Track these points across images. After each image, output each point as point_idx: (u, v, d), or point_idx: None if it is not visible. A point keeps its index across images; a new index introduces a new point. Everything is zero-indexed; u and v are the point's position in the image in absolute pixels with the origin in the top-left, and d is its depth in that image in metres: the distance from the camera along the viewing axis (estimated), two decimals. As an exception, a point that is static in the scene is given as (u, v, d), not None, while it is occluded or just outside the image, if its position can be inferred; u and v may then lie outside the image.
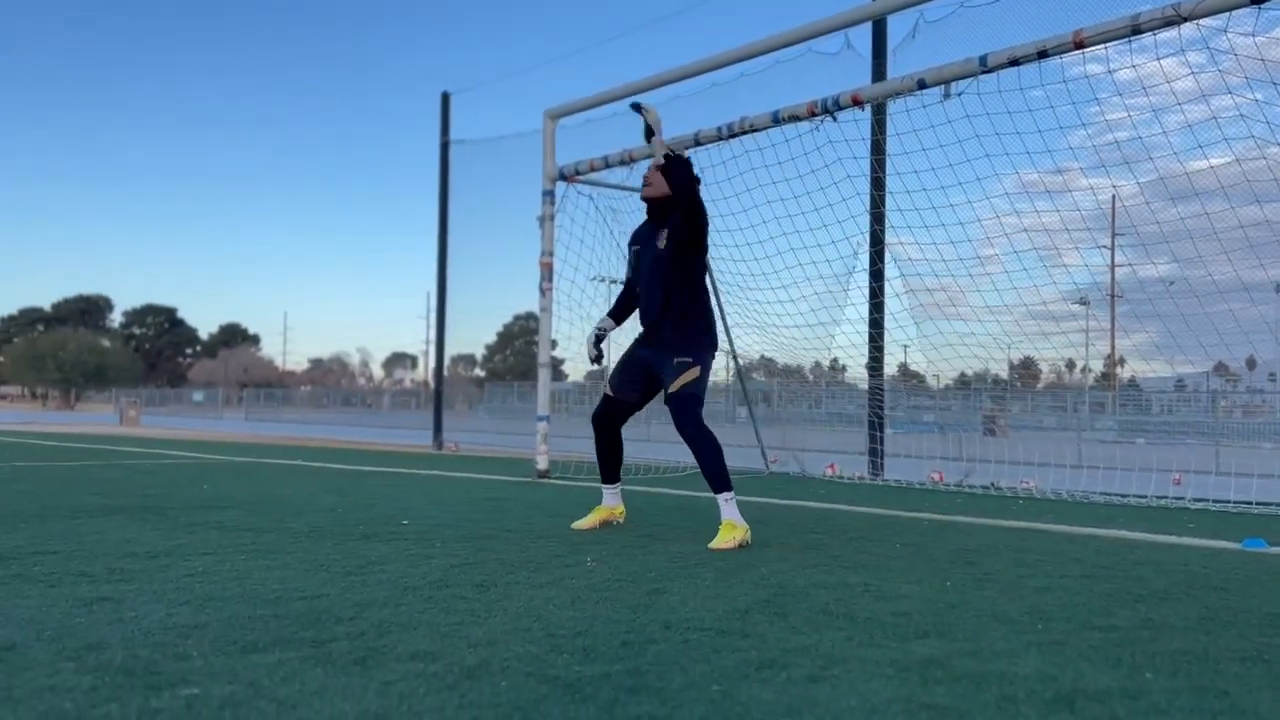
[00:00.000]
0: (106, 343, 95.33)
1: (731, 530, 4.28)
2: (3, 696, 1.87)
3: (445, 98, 15.90)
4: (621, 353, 4.89)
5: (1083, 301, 8.83)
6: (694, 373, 4.47)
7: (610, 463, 4.89)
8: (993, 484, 8.42)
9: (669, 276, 4.54)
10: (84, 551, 3.76)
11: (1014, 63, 5.95)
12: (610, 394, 4.82)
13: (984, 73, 6.13)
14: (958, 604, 3.02)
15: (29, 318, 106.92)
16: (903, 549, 4.32)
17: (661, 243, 4.53)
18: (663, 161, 4.61)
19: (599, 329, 4.89)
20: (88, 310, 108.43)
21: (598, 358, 4.88)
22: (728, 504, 4.38)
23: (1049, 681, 2.13)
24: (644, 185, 4.65)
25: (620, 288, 5.07)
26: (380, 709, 1.85)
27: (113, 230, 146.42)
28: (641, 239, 4.74)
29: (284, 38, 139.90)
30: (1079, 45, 5.70)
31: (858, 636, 2.54)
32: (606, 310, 5.05)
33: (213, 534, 4.35)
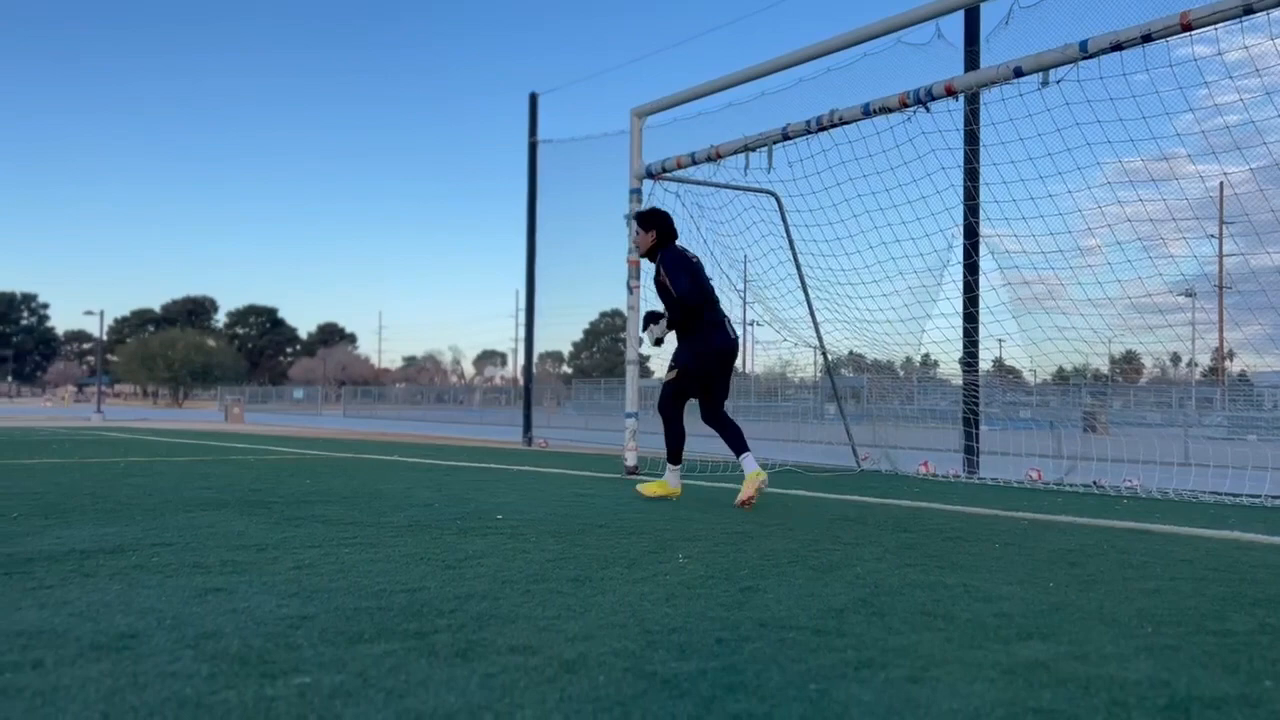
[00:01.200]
0: (212, 342, 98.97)
1: (661, 486, 5.97)
2: (129, 682, 1.97)
3: (533, 98, 16.08)
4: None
5: (1189, 293, 8.49)
6: (672, 373, 5.83)
7: (673, 444, 6.01)
8: (1095, 482, 8.17)
9: (667, 305, 5.91)
10: (197, 544, 3.92)
11: (1117, 47, 5.76)
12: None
13: (1084, 58, 5.94)
14: (1061, 606, 2.94)
15: (140, 319, 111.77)
16: (1002, 549, 4.22)
17: (655, 280, 5.94)
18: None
19: (660, 337, 5.97)
20: (194, 311, 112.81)
21: (659, 340, 5.97)
22: (672, 475, 5.91)
23: (1161, 687, 2.06)
24: (636, 249, 6.10)
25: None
26: (483, 700, 1.89)
27: (217, 234, 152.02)
28: (653, 277, 6.03)
29: (376, 43, 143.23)
30: (1186, 27, 5.49)
31: (958, 638, 2.49)
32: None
33: (317, 528, 4.49)
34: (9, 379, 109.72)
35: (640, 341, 9.29)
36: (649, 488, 5.92)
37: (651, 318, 5.97)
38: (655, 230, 5.86)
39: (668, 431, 5.89)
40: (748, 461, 5.63)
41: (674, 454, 5.88)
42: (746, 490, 5.49)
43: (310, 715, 1.78)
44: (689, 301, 5.69)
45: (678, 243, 6.09)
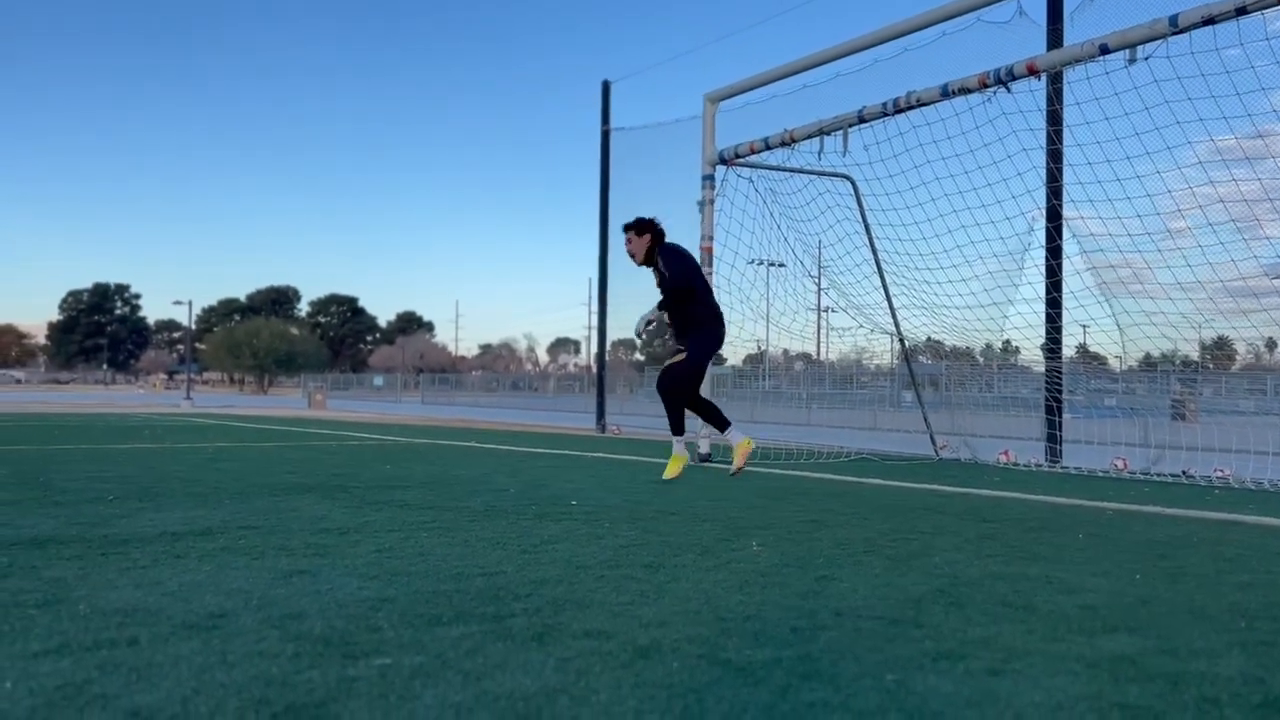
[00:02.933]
0: (295, 331, 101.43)
1: (675, 460, 5.93)
2: (218, 660, 2.03)
3: (605, 86, 16.11)
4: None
5: (1287, 276, 8.14)
6: (679, 357, 5.78)
7: (676, 419, 5.95)
8: (1184, 472, 7.91)
9: (673, 307, 5.84)
10: (282, 527, 4.03)
11: (1209, 21, 5.54)
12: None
13: (1175, 34, 5.73)
14: (1149, 599, 2.86)
15: (227, 308, 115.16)
16: (1085, 540, 4.12)
17: (659, 280, 5.85)
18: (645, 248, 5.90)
19: (651, 320, 5.84)
20: (278, 300, 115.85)
21: (641, 337, 5.95)
22: (678, 448, 5.92)
23: (1255, 684, 1.99)
24: (631, 257, 5.89)
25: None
26: (558, 684, 1.91)
27: (299, 225, 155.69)
28: (657, 278, 5.92)
29: (453, 34, 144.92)
30: (1285, -2, 5.25)
31: (1040, 630, 2.44)
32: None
33: (396, 512, 4.58)
34: (104, 367, 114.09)
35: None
36: (673, 466, 5.93)
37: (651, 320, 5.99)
38: (651, 233, 5.84)
39: (683, 411, 5.84)
40: (735, 434, 5.78)
41: (717, 422, 5.88)
42: (739, 460, 5.66)
43: (391, 695, 1.82)
44: (678, 283, 5.71)
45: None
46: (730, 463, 5.81)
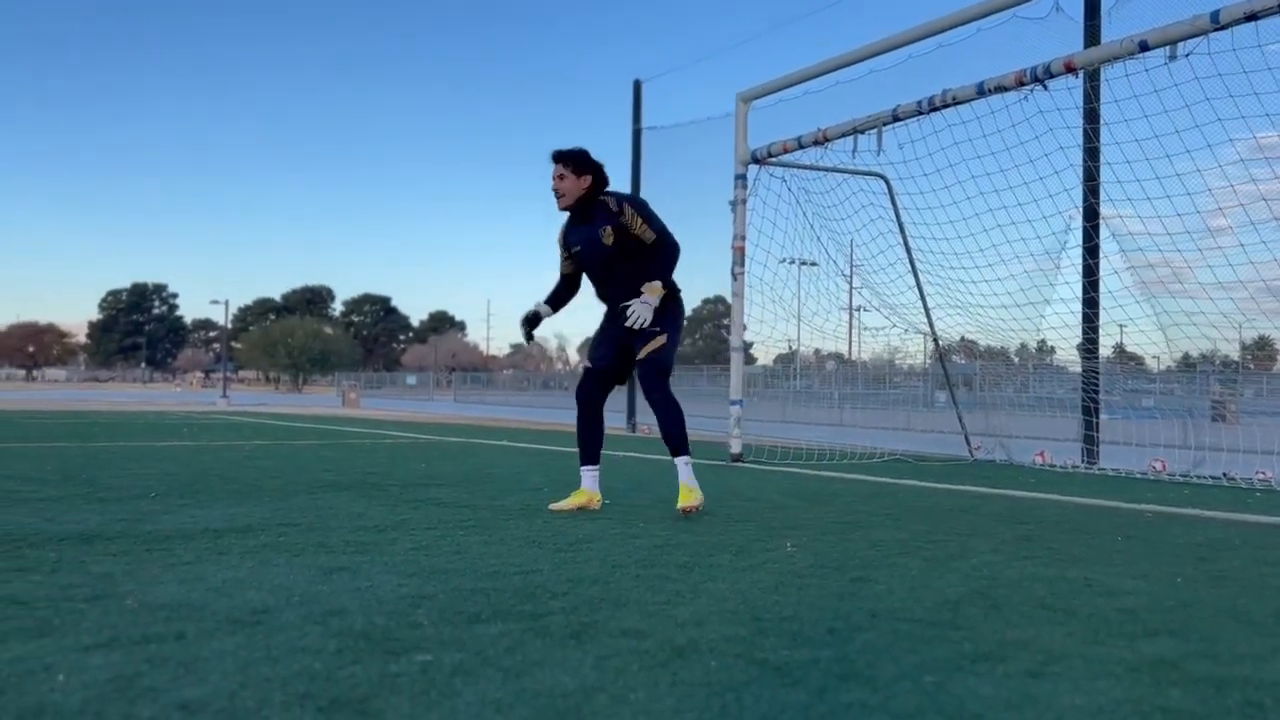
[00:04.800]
0: (329, 330, 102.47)
1: (690, 492, 4.56)
2: (262, 655, 2.07)
3: (637, 86, 16.12)
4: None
5: (1332, 274, 7.99)
6: (661, 339, 4.64)
7: (589, 442, 4.85)
8: (1225, 474, 7.80)
9: (624, 266, 4.69)
10: (321, 524, 4.08)
11: (1251, 17, 5.46)
12: (589, 366, 4.87)
13: (1216, 30, 5.65)
14: (1190, 602, 2.83)
15: (262, 307, 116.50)
16: (1124, 542, 4.08)
17: (607, 239, 4.65)
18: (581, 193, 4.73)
19: (535, 312, 4.94)
20: (312, 300, 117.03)
21: (529, 336, 5.01)
22: (685, 466, 4.63)
23: (1301, 690, 1.96)
24: (558, 198, 4.73)
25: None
26: (596, 682, 1.92)
27: (333, 225, 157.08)
28: (580, 238, 4.78)
29: (483, 33, 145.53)
30: (1330, -8, 5.17)
31: (1080, 632, 2.42)
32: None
33: (433, 510, 4.62)
34: (142, 365, 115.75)
35: (743, 329, 9.26)
36: (693, 498, 4.57)
37: (534, 321, 4.94)
38: (592, 175, 4.67)
39: (677, 416, 4.68)
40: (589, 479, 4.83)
41: (686, 442, 4.69)
42: (694, 499, 4.56)
43: (432, 692, 1.84)
44: (674, 245, 4.69)
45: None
46: (762, 463, 5.55)
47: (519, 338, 5.77)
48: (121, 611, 2.45)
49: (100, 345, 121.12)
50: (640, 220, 4.62)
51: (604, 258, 4.69)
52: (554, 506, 4.76)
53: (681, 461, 4.64)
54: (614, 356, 4.81)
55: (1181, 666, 2.12)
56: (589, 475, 4.83)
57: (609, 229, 4.64)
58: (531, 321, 4.94)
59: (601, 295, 4.87)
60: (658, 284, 4.62)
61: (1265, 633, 2.47)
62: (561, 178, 4.69)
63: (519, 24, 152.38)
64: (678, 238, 4.76)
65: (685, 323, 4.87)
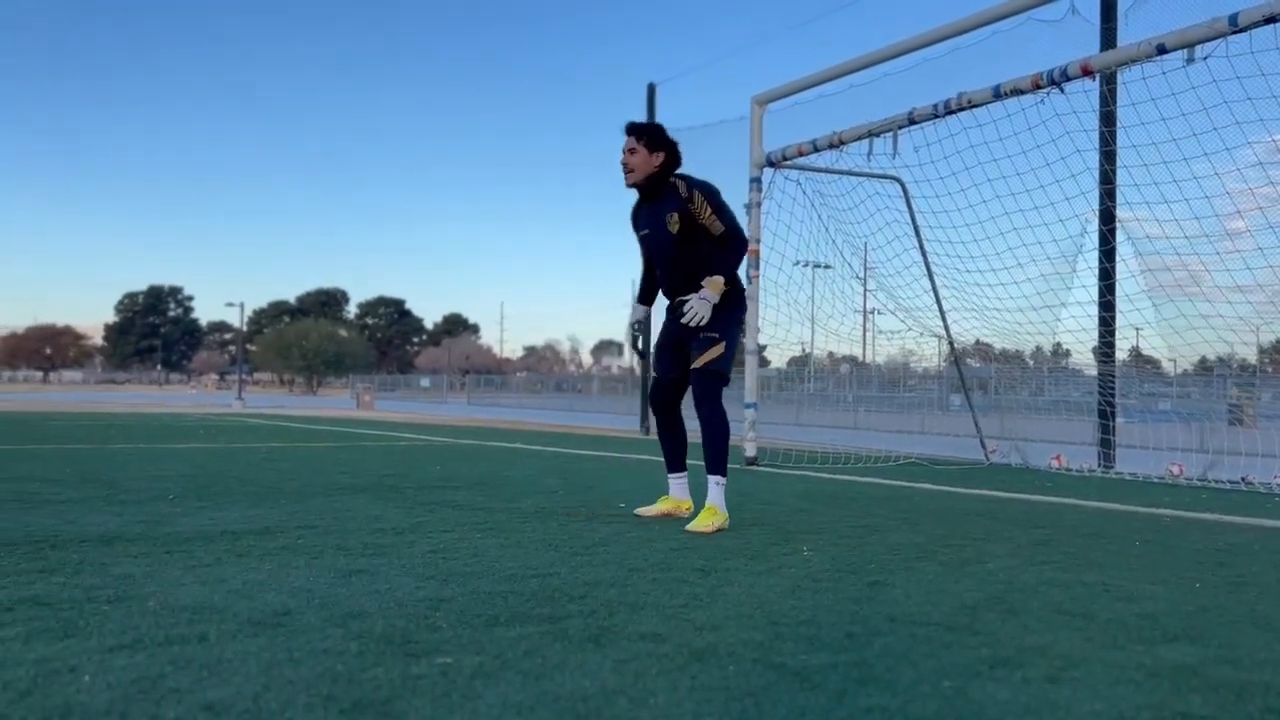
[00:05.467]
0: (344, 332, 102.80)
1: (713, 515, 4.25)
2: (285, 657, 2.09)
3: (651, 89, 16.14)
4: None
5: (1350, 277, 7.93)
6: (720, 349, 4.33)
7: (670, 450, 4.68)
8: (1243, 479, 7.75)
9: (686, 256, 4.36)
10: (339, 527, 4.11)
11: (1270, 20, 5.44)
12: (655, 374, 4.67)
13: (1234, 33, 5.63)
14: (1210, 607, 2.82)
15: (277, 310, 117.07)
16: (1142, 546, 4.06)
17: (672, 226, 4.32)
18: (654, 169, 4.39)
19: (637, 320, 4.80)
20: (327, 302, 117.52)
21: (640, 350, 4.86)
22: (718, 488, 4.33)
23: (1322, 697, 1.96)
24: (626, 173, 4.38)
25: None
26: (616, 686, 1.93)
27: (347, 228, 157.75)
28: (647, 222, 4.45)
29: (497, 37, 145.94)
30: (1349, -5, 5.14)
31: (1098, 638, 2.42)
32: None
33: (449, 512, 4.64)
34: (158, 367, 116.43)
35: (758, 332, 9.25)
36: (710, 521, 4.24)
37: (637, 331, 4.82)
38: (666, 152, 4.35)
39: (722, 433, 4.40)
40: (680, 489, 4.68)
41: (725, 462, 4.40)
42: (713, 523, 4.24)
43: (454, 694, 1.85)
44: (743, 242, 4.37)
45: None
46: (777, 466, 5.43)
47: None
48: (144, 613, 2.47)
49: (116, 347, 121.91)
50: (710, 210, 4.27)
51: (668, 246, 4.36)
52: (640, 511, 4.66)
53: (714, 481, 4.33)
54: (676, 361, 4.54)
55: (1201, 672, 2.12)
56: (676, 483, 4.67)
57: (675, 215, 4.30)
58: (637, 334, 4.82)
59: (663, 287, 4.56)
60: (719, 279, 4.28)
61: (1285, 639, 2.45)
62: (632, 151, 4.35)
63: (534, 26, 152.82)
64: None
65: (744, 326, 4.56)
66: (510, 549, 3.60)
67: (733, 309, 4.38)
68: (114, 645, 2.15)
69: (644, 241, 4.51)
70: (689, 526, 4.23)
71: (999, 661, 2.18)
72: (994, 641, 2.36)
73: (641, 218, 4.51)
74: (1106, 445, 9.33)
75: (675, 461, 4.69)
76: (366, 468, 7.36)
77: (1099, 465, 9.14)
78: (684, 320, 4.30)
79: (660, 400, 4.65)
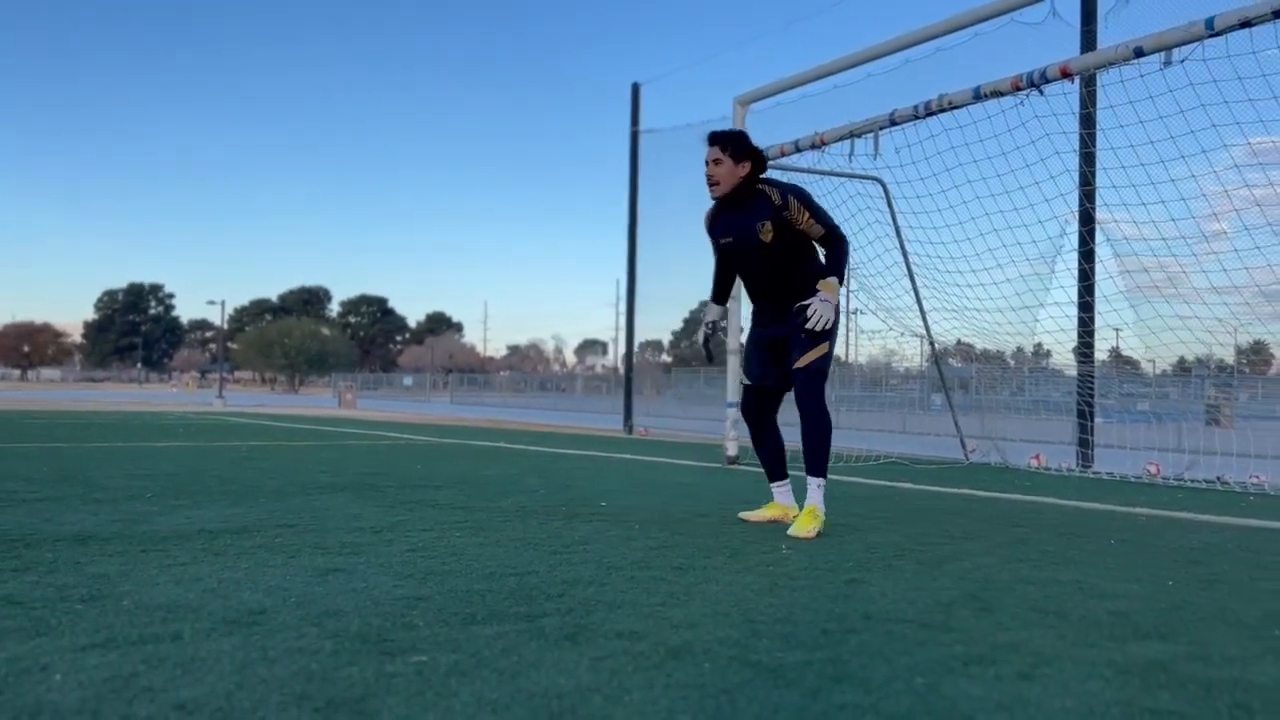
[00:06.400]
0: (326, 331, 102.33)
1: (814, 517, 4.14)
2: (259, 655, 2.08)
3: (635, 88, 16.15)
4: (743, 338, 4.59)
5: (1326, 279, 8.02)
6: (824, 347, 4.21)
7: (772, 458, 4.56)
8: (1219, 478, 7.83)
9: (781, 264, 4.26)
10: (317, 525, 4.09)
11: (1245, 24, 5.49)
12: (747, 382, 4.51)
13: (1211, 36, 5.68)
14: (1182, 605, 2.85)
15: (259, 308, 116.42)
16: (1118, 545, 4.10)
17: (765, 235, 4.19)
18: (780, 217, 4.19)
19: (711, 323, 4.64)
20: (309, 300, 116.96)
21: (710, 355, 4.66)
22: (818, 490, 4.20)
23: (1289, 693, 1.98)
24: (711, 185, 4.26)
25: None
26: (592, 683, 1.94)
27: (330, 225, 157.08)
28: (730, 229, 4.32)
29: (481, 33, 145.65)
30: (1323, -1, 5.20)
31: (1071, 635, 2.44)
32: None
33: (429, 511, 4.64)
34: (138, 366, 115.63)
35: (741, 331, 9.27)
36: (812, 525, 4.13)
37: (712, 333, 4.69)
38: (752, 161, 4.22)
39: (824, 431, 4.26)
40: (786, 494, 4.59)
41: (826, 463, 4.32)
42: (812, 526, 4.16)
43: (428, 692, 1.85)
44: (844, 239, 4.25)
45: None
46: (758, 466, 5.24)
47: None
48: (118, 612, 2.46)
49: (96, 345, 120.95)
50: (807, 214, 4.14)
51: (759, 254, 4.21)
52: (744, 516, 4.57)
53: (815, 483, 4.18)
54: (769, 368, 4.42)
55: (1171, 669, 2.14)
56: (780, 492, 4.54)
57: (768, 224, 4.16)
58: (711, 335, 4.64)
59: (752, 293, 4.42)
60: (834, 280, 4.17)
61: (1254, 636, 2.49)
62: (717, 162, 4.20)
63: (518, 25, 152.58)
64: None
65: (838, 326, 4.35)
66: (489, 548, 3.60)
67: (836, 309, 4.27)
68: (86, 644, 2.14)
69: (724, 249, 4.38)
70: (791, 532, 4.09)
71: (972, 659, 2.19)
72: (968, 639, 2.38)
73: (721, 225, 4.36)
74: (1085, 445, 9.40)
75: (777, 470, 4.56)
76: (347, 467, 7.33)
77: (1077, 465, 9.21)
78: (808, 326, 4.12)
79: (755, 407, 4.51)
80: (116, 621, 2.35)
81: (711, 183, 4.23)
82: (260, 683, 1.89)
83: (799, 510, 4.36)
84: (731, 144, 4.21)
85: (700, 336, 4.68)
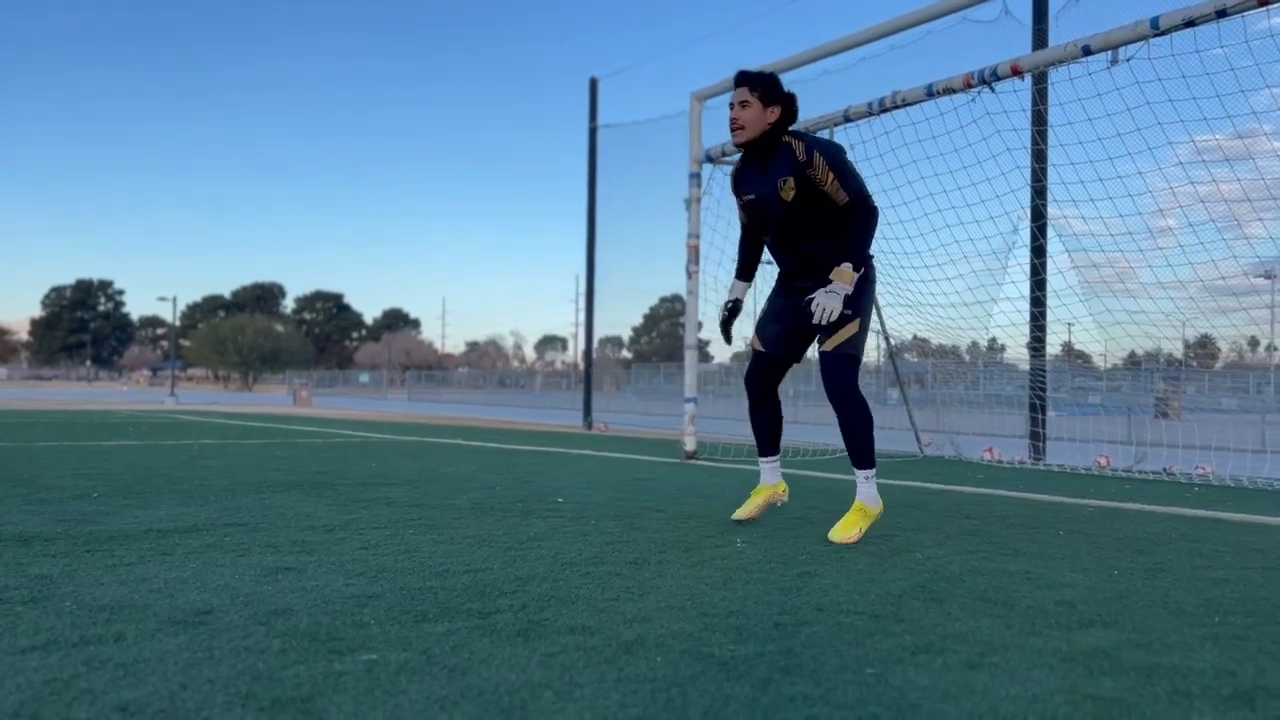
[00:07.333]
0: (280, 328, 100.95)
1: (863, 514, 3.82)
2: (205, 656, 2.05)
3: (593, 83, 16.12)
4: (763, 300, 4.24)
5: (1268, 275, 8.23)
6: (853, 327, 3.82)
7: (770, 429, 4.22)
8: (1165, 469, 7.99)
9: (805, 228, 3.86)
10: (268, 524, 4.04)
11: (1189, 24, 5.60)
12: (761, 349, 4.12)
13: (1156, 35, 5.78)
14: (1126, 594, 2.90)
15: (211, 305, 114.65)
16: (1066, 536, 4.17)
17: (786, 193, 3.80)
18: (754, 108, 3.83)
19: (732, 302, 4.23)
20: (263, 297, 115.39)
21: (730, 336, 4.27)
22: (867, 482, 3.85)
23: (1226, 677, 2.03)
24: (735, 130, 3.86)
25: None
26: (542, 679, 1.93)
27: (284, 221, 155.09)
28: (753, 185, 3.95)
29: (438, 29, 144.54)
30: (1264, 1, 5.31)
31: (1018, 624, 2.48)
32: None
33: (383, 509, 4.59)
34: (87, 363, 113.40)
35: (699, 327, 9.29)
36: (855, 527, 3.82)
37: (732, 313, 4.25)
38: (782, 107, 3.85)
39: (865, 420, 3.86)
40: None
41: (873, 452, 3.94)
42: (858, 529, 3.84)
43: (376, 690, 1.84)
44: (872, 211, 3.82)
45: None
46: (716, 460, 5.19)
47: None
48: (60, 613, 2.41)
49: (43, 343, 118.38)
50: (833, 175, 3.73)
51: (781, 215, 3.84)
52: (737, 515, 4.26)
53: (863, 476, 3.84)
54: (787, 338, 4.06)
55: (1114, 656, 2.18)
56: (769, 467, 4.24)
57: (790, 180, 3.78)
58: (731, 315, 4.23)
59: (777, 259, 4.04)
60: (848, 268, 3.76)
61: (1195, 623, 2.54)
62: (745, 105, 3.82)
63: (474, 19, 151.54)
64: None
65: (873, 299, 3.98)
66: (443, 545, 3.57)
67: (861, 285, 3.87)
68: (26, 646, 2.09)
69: (749, 207, 3.97)
70: (833, 536, 3.74)
71: (921, 648, 2.22)
72: (917, 629, 2.40)
73: (745, 179, 3.97)
74: (1037, 438, 9.55)
75: (771, 445, 4.23)
76: (301, 465, 7.25)
77: (1030, 457, 9.36)
78: (814, 321, 3.81)
79: (761, 378, 4.12)
80: (58, 623, 2.30)
81: (735, 126, 3.85)
82: (205, 683, 1.86)
83: (785, 485, 4.30)
84: (762, 85, 3.83)
85: (720, 315, 4.25)
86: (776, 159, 3.85)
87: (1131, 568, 3.38)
